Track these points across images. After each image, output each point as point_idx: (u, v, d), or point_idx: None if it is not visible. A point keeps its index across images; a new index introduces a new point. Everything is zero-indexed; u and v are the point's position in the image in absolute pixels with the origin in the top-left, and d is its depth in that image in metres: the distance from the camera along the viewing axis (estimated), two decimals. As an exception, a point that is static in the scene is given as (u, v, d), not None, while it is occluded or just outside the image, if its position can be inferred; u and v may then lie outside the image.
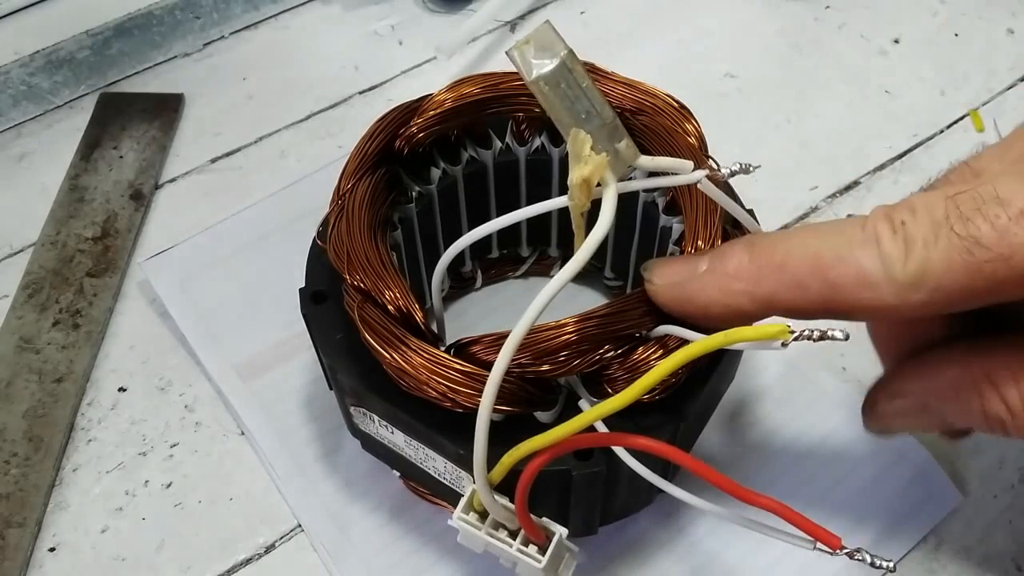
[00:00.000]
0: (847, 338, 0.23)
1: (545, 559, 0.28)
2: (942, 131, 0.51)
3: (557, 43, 0.26)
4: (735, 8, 0.57)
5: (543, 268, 0.43)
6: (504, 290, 0.43)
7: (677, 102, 0.34)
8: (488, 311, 0.43)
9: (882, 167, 0.49)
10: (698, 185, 0.29)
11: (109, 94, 0.52)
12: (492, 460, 0.27)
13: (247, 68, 0.54)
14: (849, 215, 0.46)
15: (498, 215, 0.30)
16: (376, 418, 0.32)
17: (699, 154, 0.33)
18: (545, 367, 0.28)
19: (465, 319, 0.42)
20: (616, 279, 0.41)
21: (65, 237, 0.45)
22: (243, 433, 0.40)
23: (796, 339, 0.24)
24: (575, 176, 0.26)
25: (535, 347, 0.28)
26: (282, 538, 0.37)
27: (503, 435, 0.27)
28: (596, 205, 0.27)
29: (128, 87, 0.53)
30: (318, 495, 0.37)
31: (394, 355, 0.29)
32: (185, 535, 0.37)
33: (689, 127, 0.34)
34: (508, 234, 0.41)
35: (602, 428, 0.28)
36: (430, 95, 0.35)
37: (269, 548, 0.37)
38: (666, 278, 0.28)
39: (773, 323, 0.24)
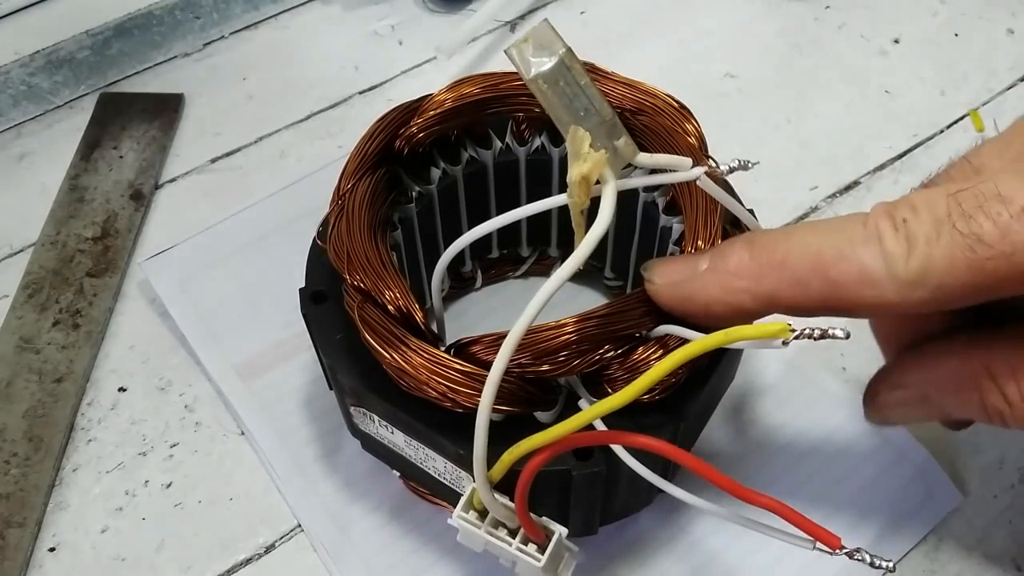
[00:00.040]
0: (848, 337, 0.23)
1: (544, 558, 0.28)
2: (942, 131, 0.51)
3: (555, 41, 0.26)
4: (735, 8, 0.57)
5: (543, 268, 0.43)
6: (504, 290, 0.43)
7: (677, 102, 0.34)
8: (488, 311, 0.43)
9: (882, 167, 0.49)
10: (697, 182, 0.29)
11: (109, 94, 0.53)
12: (492, 459, 0.27)
13: (247, 68, 0.54)
14: (848, 215, 0.47)
15: (498, 215, 0.30)
16: (376, 418, 0.32)
17: (699, 154, 0.33)
18: (545, 367, 0.28)
19: (465, 319, 0.42)
20: (616, 279, 0.41)
21: (65, 237, 0.45)
22: (243, 433, 0.40)
23: (797, 338, 0.24)
24: (574, 173, 0.26)
25: (535, 347, 0.28)
26: (282, 538, 0.37)
27: (503, 435, 0.27)
28: (596, 203, 0.27)
29: (128, 87, 0.53)
30: (318, 495, 0.37)
31: (394, 355, 0.29)
32: (185, 535, 0.37)
33: (689, 127, 0.34)
34: (508, 234, 0.41)
35: (601, 427, 0.28)
36: (430, 95, 0.35)
37: (269, 548, 0.37)
38: (667, 277, 0.28)
39: (774, 322, 0.24)
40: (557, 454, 0.27)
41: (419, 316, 0.30)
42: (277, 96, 0.52)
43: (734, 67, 0.54)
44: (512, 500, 0.28)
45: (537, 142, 0.37)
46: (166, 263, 0.44)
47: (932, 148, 0.50)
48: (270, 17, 0.57)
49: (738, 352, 0.33)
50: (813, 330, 0.23)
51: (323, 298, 0.33)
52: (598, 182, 0.26)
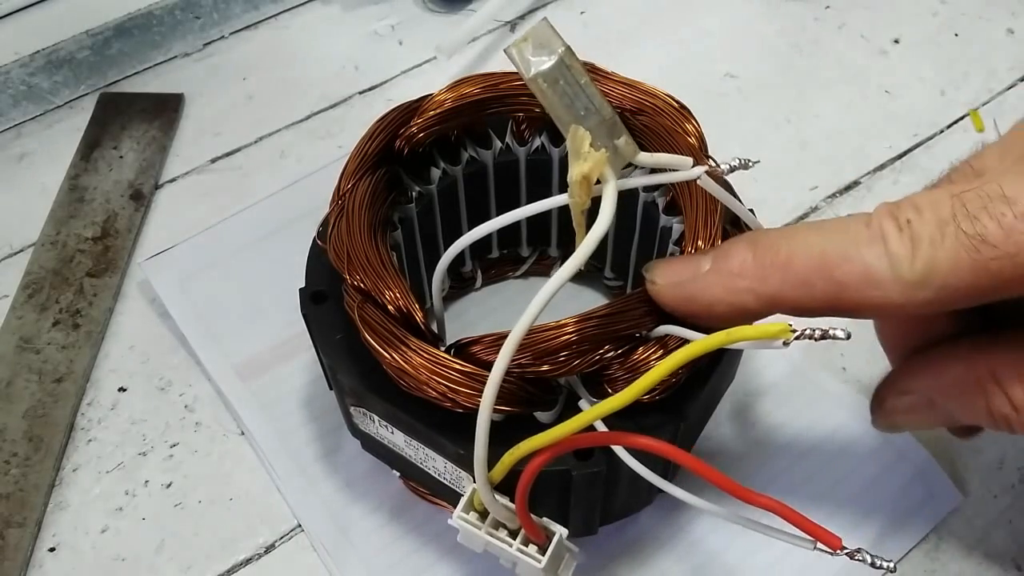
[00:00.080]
0: (848, 337, 0.23)
1: (545, 559, 0.28)
2: (942, 131, 0.51)
3: (555, 40, 0.26)
4: (735, 8, 0.57)
5: (543, 268, 0.43)
6: (504, 290, 0.43)
7: (677, 102, 0.34)
8: (488, 311, 0.43)
9: (882, 167, 0.49)
10: (698, 181, 0.29)
11: (109, 94, 0.52)
12: (492, 460, 0.27)
13: (247, 68, 0.54)
14: (849, 215, 0.47)
15: (498, 215, 0.30)
16: (376, 418, 0.32)
17: (699, 154, 0.33)
18: (545, 367, 0.28)
19: (465, 319, 0.42)
20: (616, 279, 0.41)
21: (65, 237, 0.45)
22: (243, 433, 0.40)
23: (797, 338, 0.24)
24: (575, 172, 0.26)
25: (535, 347, 0.28)
26: (282, 538, 0.37)
27: (503, 435, 0.27)
28: (596, 203, 0.27)
29: (128, 87, 0.53)
30: (318, 495, 0.37)
31: (394, 355, 0.29)
32: (185, 535, 0.37)
33: (689, 127, 0.34)
34: (508, 234, 0.41)
35: (602, 428, 0.28)
36: (430, 95, 0.35)
37: (269, 548, 0.37)
38: (668, 278, 0.28)
39: (774, 322, 0.24)
40: (558, 455, 0.27)
41: (419, 316, 0.30)
42: (277, 96, 0.52)
43: (734, 67, 0.54)
44: (512, 501, 0.28)
45: (537, 142, 0.37)
46: (166, 263, 0.44)
47: (932, 148, 0.50)
48: (270, 17, 0.57)
49: (738, 352, 0.33)
50: (814, 330, 0.23)
51: (323, 298, 0.33)
52: (598, 182, 0.26)
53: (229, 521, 0.37)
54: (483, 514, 0.29)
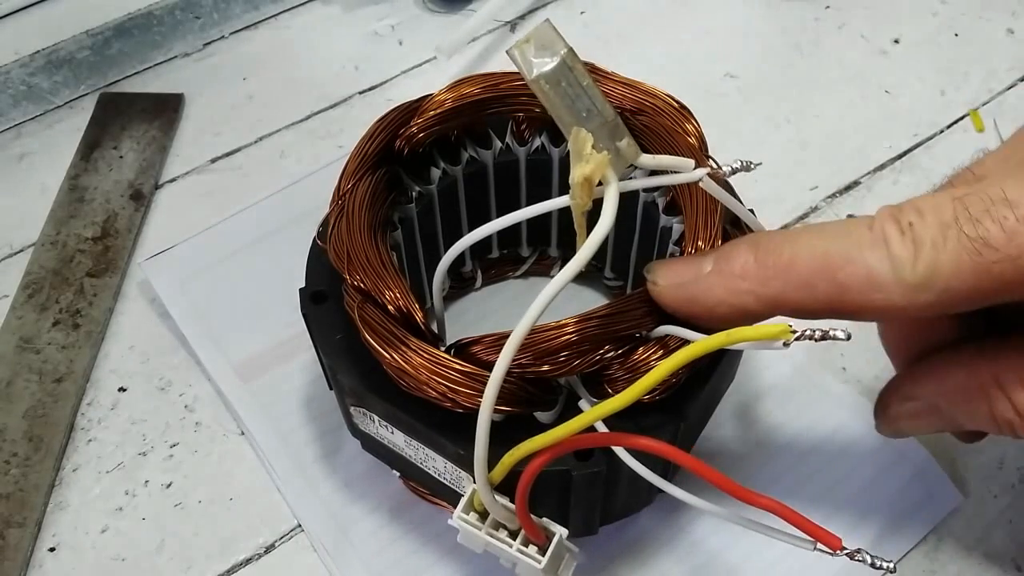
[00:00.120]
0: (849, 338, 0.23)
1: (545, 559, 0.28)
2: (942, 131, 0.51)
3: (557, 42, 0.26)
4: (735, 8, 0.57)
5: (543, 268, 0.43)
6: (504, 290, 0.43)
7: (677, 102, 0.34)
8: (488, 311, 0.43)
9: (882, 167, 0.49)
10: (700, 183, 0.29)
11: (109, 94, 0.52)
12: (492, 460, 0.27)
13: (247, 68, 0.54)
14: (849, 215, 0.47)
15: (498, 215, 0.30)
16: (376, 418, 0.32)
17: (699, 154, 0.33)
18: (545, 367, 0.28)
19: (465, 319, 0.42)
20: (616, 279, 0.41)
21: (65, 237, 0.45)
22: (243, 433, 0.40)
23: (798, 339, 0.24)
24: (576, 175, 0.26)
25: (536, 347, 0.28)
26: (282, 538, 0.37)
27: (503, 435, 0.27)
28: (597, 205, 0.27)
29: (128, 87, 0.53)
30: (318, 495, 0.37)
31: (394, 355, 0.29)
32: (185, 535, 0.37)
33: (689, 127, 0.34)
34: (508, 234, 0.41)
35: (602, 428, 0.28)
36: (430, 95, 0.35)
37: (269, 548, 0.37)
38: (670, 279, 0.28)
39: (775, 323, 0.24)
40: (558, 456, 0.27)
41: (419, 316, 0.30)
42: (277, 96, 0.52)
43: (734, 67, 0.54)
44: (512, 501, 0.28)
45: (537, 142, 0.37)
46: (166, 263, 0.44)
47: (932, 148, 0.50)
48: (270, 17, 0.57)
49: (738, 352, 0.33)
50: (814, 331, 0.24)
51: (323, 298, 0.33)
52: (600, 184, 0.26)
53: (229, 521, 0.37)
54: (483, 514, 0.29)
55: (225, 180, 0.49)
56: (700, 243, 0.31)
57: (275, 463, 0.38)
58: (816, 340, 0.23)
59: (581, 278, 0.43)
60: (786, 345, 0.24)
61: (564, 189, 0.27)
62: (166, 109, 0.51)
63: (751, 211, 0.33)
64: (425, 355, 0.29)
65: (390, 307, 0.30)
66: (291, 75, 0.54)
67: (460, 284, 0.43)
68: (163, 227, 0.47)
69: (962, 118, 0.52)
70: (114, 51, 0.53)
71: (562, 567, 0.30)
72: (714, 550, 0.36)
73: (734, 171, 0.29)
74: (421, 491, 0.37)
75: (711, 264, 0.27)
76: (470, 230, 0.31)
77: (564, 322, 0.28)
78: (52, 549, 0.37)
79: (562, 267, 0.26)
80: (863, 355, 0.41)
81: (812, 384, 0.40)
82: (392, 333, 0.29)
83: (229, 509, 0.38)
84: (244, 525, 0.37)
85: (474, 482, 0.28)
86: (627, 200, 0.36)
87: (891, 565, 0.25)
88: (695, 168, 0.29)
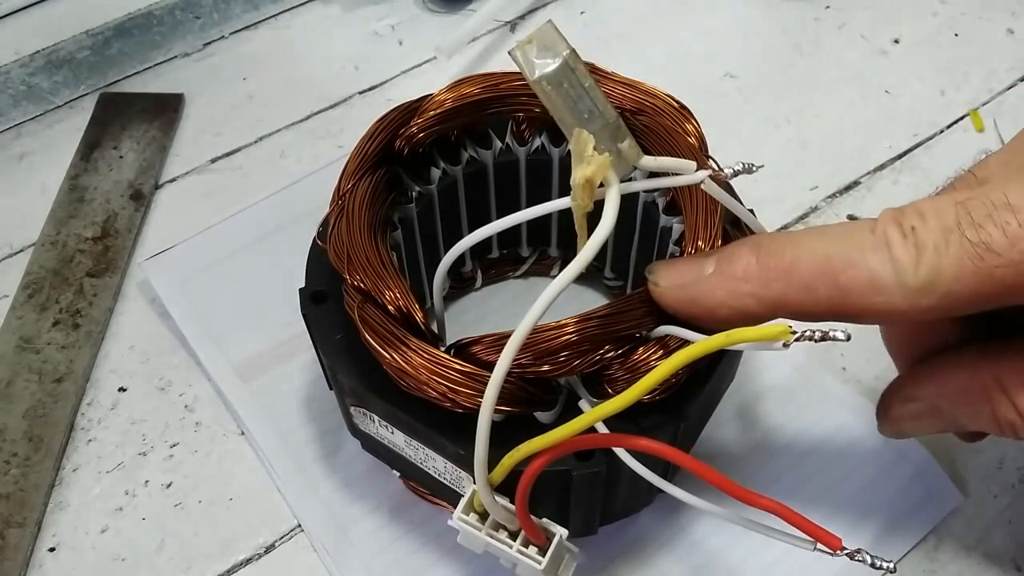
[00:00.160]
0: (848, 339, 0.23)
1: (545, 560, 0.28)
2: (942, 131, 0.51)
3: (559, 43, 0.26)
4: (735, 8, 0.57)
5: (543, 268, 0.43)
6: (504, 290, 0.43)
7: (677, 102, 0.34)
8: (488, 311, 0.43)
9: (882, 167, 0.49)
10: (701, 185, 0.29)
11: (109, 94, 0.52)
12: (492, 461, 0.27)
13: (247, 68, 0.54)
14: (849, 215, 0.47)
15: (498, 215, 0.30)
16: (376, 418, 0.32)
17: (700, 154, 0.33)
18: (546, 367, 0.28)
19: (465, 319, 0.42)
20: (616, 279, 0.41)
21: (65, 237, 0.45)
22: (243, 433, 0.40)
23: (797, 340, 0.24)
24: (578, 176, 0.26)
25: (536, 347, 0.28)
26: (282, 538, 0.37)
27: (503, 435, 0.27)
28: (598, 205, 0.27)
29: (128, 87, 0.53)
30: (318, 495, 0.37)
31: (394, 355, 0.29)
32: (185, 535, 0.37)
33: (689, 127, 0.34)
34: (508, 234, 0.41)
35: (602, 429, 0.28)
36: (430, 95, 0.35)
37: (269, 548, 0.37)
38: (671, 280, 0.28)
39: (775, 324, 0.24)
40: (558, 457, 0.27)
41: (419, 316, 0.30)
42: (277, 96, 0.52)
43: (734, 67, 0.54)
44: (512, 502, 0.28)
45: (537, 142, 0.37)
46: (166, 263, 0.44)
47: (932, 148, 0.50)
48: (270, 17, 0.57)
49: (738, 353, 0.33)
50: (814, 332, 0.24)
51: (323, 298, 0.33)
52: (601, 185, 0.26)
53: (229, 521, 0.37)
54: (483, 515, 0.29)
55: (225, 180, 0.49)
56: (700, 243, 0.31)
57: (275, 463, 0.38)
58: (816, 341, 0.24)
59: (581, 278, 0.42)
60: (786, 346, 0.24)
61: (564, 189, 0.27)
62: (166, 109, 0.51)
63: (751, 211, 0.33)
64: (425, 355, 0.29)
65: (390, 307, 0.30)
66: (291, 75, 0.54)
67: (460, 284, 0.43)
68: (163, 227, 0.47)
69: (962, 118, 0.52)
70: (114, 51, 0.53)
71: (562, 567, 0.30)
72: (714, 550, 0.36)
73: (735, 173, 0.29)
74: (421, 491, 0.37)
75: (713, 265, 0.27)
76: (470, 230, 0.31)
77: (564, 322, 0.28)
78: (52, 549, 0.37)
79: (562, 267, 0.26)
80: (863, 356, 0.41)
81: (812, 384, 0.41)
82: (392, 333, 0.29)
83: (229, 509, 0.38)
84: (244, 525, 0.37)
85: (474, 483, 0.28)
86: (627, 200, 0.36)
87: (891, 565, 0.25)
88: (697, 170, 0.29)
